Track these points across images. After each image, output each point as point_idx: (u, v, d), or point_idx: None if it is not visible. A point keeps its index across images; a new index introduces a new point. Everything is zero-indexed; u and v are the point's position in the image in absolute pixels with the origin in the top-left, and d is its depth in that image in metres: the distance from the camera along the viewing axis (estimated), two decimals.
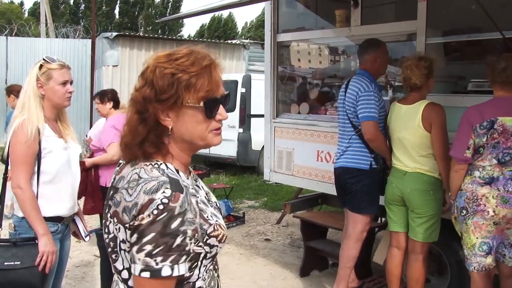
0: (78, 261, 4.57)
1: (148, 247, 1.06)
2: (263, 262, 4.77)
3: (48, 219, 2.35)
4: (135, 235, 1.08)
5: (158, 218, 1.06)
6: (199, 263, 1.20)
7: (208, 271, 1.25)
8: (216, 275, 1.31)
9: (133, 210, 1.09)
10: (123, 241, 1.14)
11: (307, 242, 4.40)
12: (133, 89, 1.22)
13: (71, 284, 4.15)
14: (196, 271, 1.20)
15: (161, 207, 1.07)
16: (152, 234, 1.06)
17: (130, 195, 1.12)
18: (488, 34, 3.44)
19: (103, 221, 1.22)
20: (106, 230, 1.19)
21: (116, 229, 1.15)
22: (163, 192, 1.09)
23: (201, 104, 1.17)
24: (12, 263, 2.24)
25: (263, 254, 5.00)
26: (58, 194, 2.40)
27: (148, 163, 1.18)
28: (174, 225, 1.08)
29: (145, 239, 1.07)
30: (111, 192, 1.21)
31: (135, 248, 1.08)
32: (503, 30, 3.14)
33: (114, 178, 1.24)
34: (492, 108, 2.73)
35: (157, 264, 1.07)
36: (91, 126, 11.33)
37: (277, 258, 4.85)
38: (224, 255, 4.86)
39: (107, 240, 1.20)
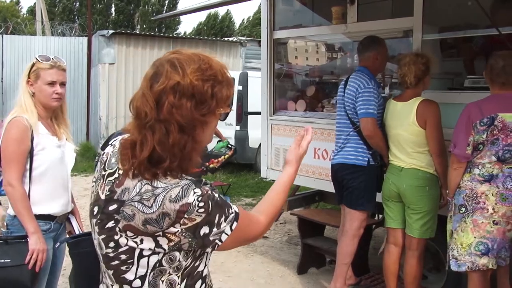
0: None
1: (222, 220, 1.18)
2: (260, 259, 4.77)
3: (40, 217, 2.33)
4: (205, 227, 1.15)
5: (210, 208, 1.15)
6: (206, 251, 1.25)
7: (209, 258, 1.31)
8: None
9: (163, 220, 1.11)
10: (150, 249, 1.15)
11: (305, 239, 4.40)
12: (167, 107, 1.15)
13: (68, 283, 4.13)
14: (204, 259, 1.26)
15: (201, 204, 1.13)
16: (217, 215, 1.17)
17: (150, 207, 1.12)
18: (485, 31, 3.44)
19: (102, 235, 1.20)
20: (112, 245, 1.18)
21: (135, 241, 1.15)
22: (194, 193, 1.13)
23: (228, 110, 1.23)
24: (2, 260, 2.23)
25: (260, 251, 5.00)
26: (50, 192, 2.39)
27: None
28: (218, 199, 1.19)
29: (216, 221, 1.17)
30: (114, 205, 1.17)
31: (215, 230, 1.17)
32: (499, 26, 3.14)
33: (111, 191, 1.19)
34: (492, 104, 2.71)
35: (232, 213, 1.21)
36: (88, 125, 11.38)
37: (275, 256, 4.86)
38: (222, 252, 4.84)
39: (110, 254, 1.19)
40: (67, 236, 2.61)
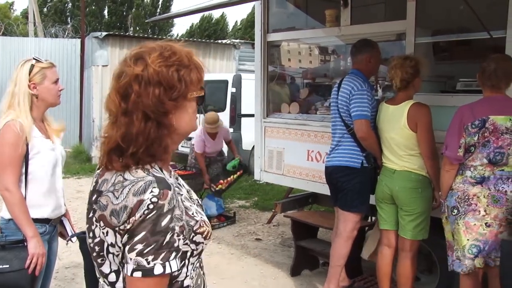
0: (68, 262, 4.53)
1: (139, 246, 1.07)
2: (254, 261, 4.77)
3: (35, 221, 2.32)
4: (126, 236, 1.09)
5: (148, 217, 1.07)
6: (187, 261, 1.21)
7: (195, 269, 1.26)
8: (202, 272, 1.32)
9: (123, 213, 1.09)
10: (112, 245, 1.13)
11: (298, 241, 4.41)
12: (122, 97, 1.15)
13: (61, 286, 4.11)
14: (184, 270, 1.21)
15: (151, 206, 1.08)
16: (143, 233, 1.07)
17: (117, 198, 1.12)
18: (477, 34, 3.47)
19: (87, 225, 1.21)
20: (91, 234, 1.18)
21: (103, 233, 1.14)
22: (151, 191, 1.09)
23: (202, 93, 1.22)
24: (1, 266, 2.21)
25: (254, 253, 4.99)
26: (46, 195, 2.37)
27: None
28: (164, 222, 1.09)
29: (136, 238, 1.07)
30: (95, 195, 1.20)
31: (126, 248, 1.09)
32: (491, 30, 3.17)
33: (96, 182, 1.23)
34: (484, 107, 2.74)
35: (148, 263, 1.07)
36: (81, 127, 11.32)
37: (268, 258, 4.86)
38: (215, 255, 4.86)
39: (91, 245, 1.19)
40: (59, 238, 2.61)
